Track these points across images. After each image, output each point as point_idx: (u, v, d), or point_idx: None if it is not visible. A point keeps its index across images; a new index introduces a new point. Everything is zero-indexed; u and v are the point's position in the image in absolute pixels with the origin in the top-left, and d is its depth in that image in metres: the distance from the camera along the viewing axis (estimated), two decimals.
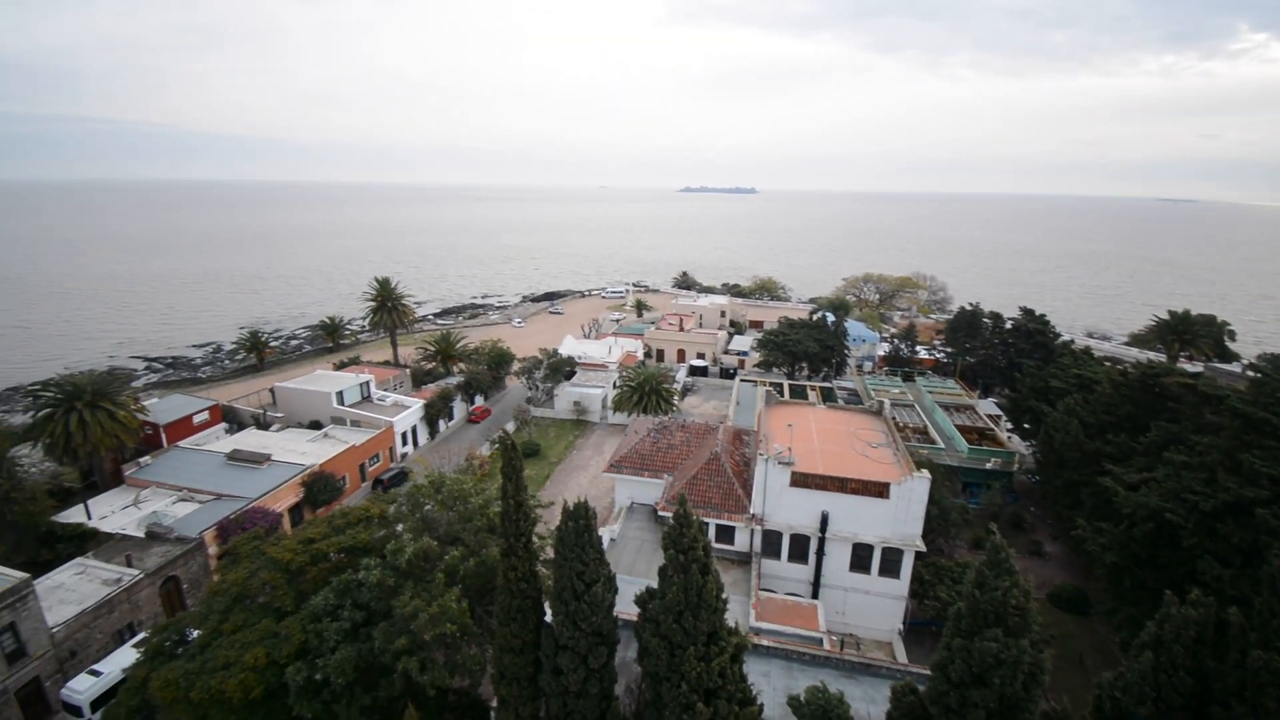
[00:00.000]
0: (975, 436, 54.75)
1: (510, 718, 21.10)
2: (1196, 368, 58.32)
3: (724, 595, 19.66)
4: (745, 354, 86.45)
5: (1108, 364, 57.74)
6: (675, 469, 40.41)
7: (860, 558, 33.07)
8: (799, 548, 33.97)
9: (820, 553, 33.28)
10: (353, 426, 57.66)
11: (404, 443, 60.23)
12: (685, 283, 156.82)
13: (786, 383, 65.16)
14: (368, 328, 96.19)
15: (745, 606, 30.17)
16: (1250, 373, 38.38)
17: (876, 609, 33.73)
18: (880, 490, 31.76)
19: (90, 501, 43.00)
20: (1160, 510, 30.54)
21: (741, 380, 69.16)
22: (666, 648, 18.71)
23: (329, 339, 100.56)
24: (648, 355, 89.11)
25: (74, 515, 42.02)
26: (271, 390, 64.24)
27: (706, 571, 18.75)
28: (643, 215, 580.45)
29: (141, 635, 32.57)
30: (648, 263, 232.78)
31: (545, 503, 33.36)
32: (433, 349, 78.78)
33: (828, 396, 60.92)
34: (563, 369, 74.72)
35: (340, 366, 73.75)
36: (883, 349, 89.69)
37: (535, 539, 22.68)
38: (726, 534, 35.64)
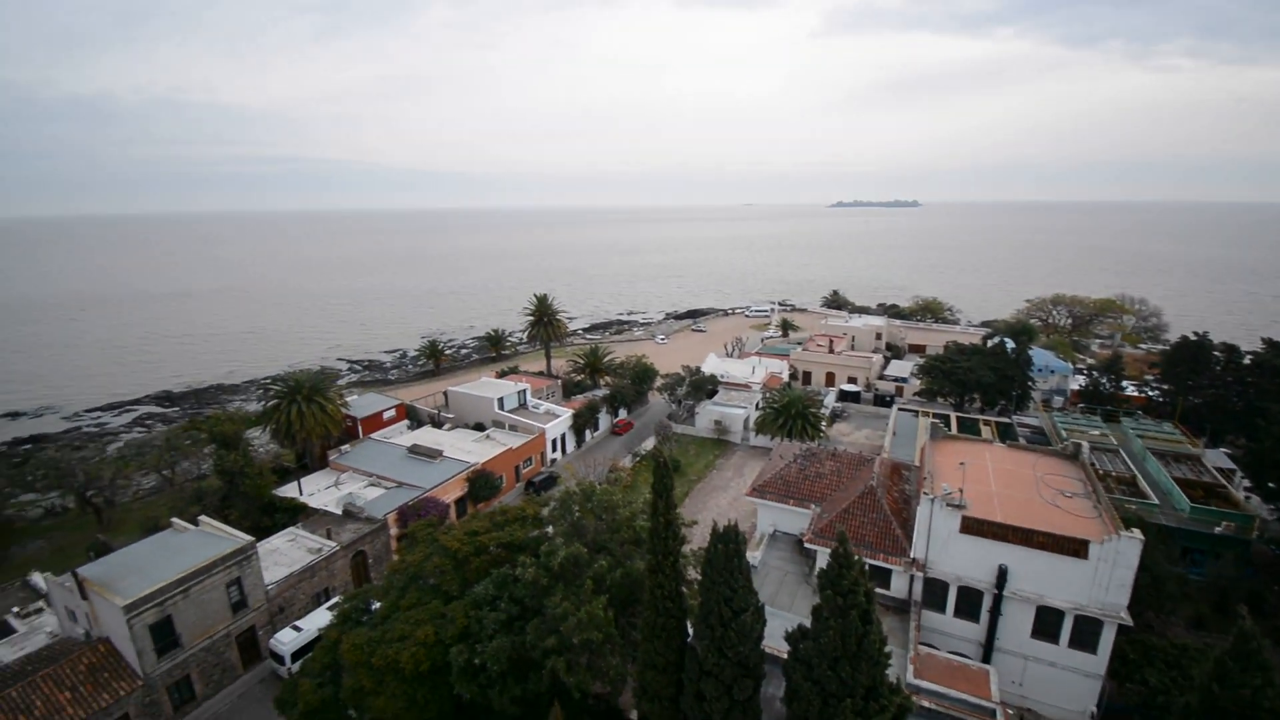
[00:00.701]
0: (1200, 493, 45.47)
1: None
2: None
3: (886, 648, 17.96)
4: (904, 380, 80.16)
5: None
6: (824, 499, 38.24)
7: (1046, 623, 28.65)
8: (968, 602, 30.28)
9: (995, 611, 29.36)
10: (510, 430, 62.03)
11: (554, 449, 63.60)
12: (836, 302, 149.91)
13: (954, 415, 59.11)
14: (526, 340, 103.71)
15: (902, 660, 27.43)
16: None
17: (1063, 685, 28.97)
18: (1077, 548, 27.33)
19: (302, 480, 50.55)
20: None
21: (899, 409, 64.07)
22: (819, 695, 17.44)
23: (493, 349, 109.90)
24: (793, 377, 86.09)
25: (289, 491, 49.61)
26: (445, 393, 71.30)
27: (868, 620, 17.26)
28: (790, 232, 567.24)
29: (335, 600, 37.31)
30: (794, 281, 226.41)
31: (689, 521, 33.18)
32: (582, 362, 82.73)
33: (1006, 434, 54.20)
34: (704, 387, 74.58)
35: (501, 375, 79.99)
36: (1077, 382, 78.21)
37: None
38: (880, 576, 32.82)
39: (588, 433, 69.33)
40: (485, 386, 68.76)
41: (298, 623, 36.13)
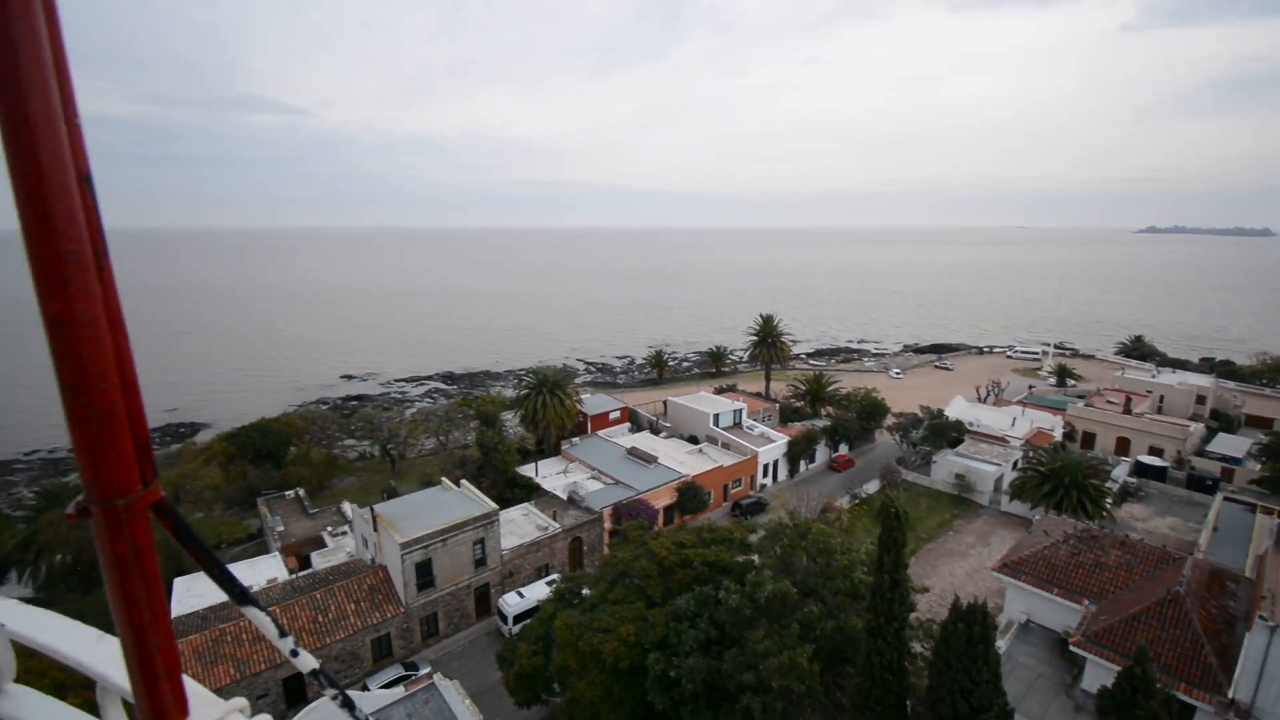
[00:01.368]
0: None
1: None
2: None
3: None
4: (1236, 461, 61.26)
5: None
6: (1102, 596, 30.57)
7: None
8: None
9: None
10: (722, 448, 61.85)
11: (764, 474, 61.73)
12: (1139, 350, 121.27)
13: None
14: (746, 360, 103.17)
15: None
16: None
17: None
18: None
19: (539, 463, 56.57)
20: None
21: (1226, 498, 48.95)
22: None
23: (713, 365, 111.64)
24: (1069, 437, 71.39)
25: (527, 470, 55.89)
26: (664, 403, 74.14)
27: None
28: (1075, 260, 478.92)
29: (554, 577, 40.64)
30: (1079, 320, 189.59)
31: (919, 586, 29.05)
32: (803, 388, 79.24)
33: None
34: (946, 433, 65.75)
35: (719, 391, 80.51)
36: None
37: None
38: (1179, 713, 24.92)
39: (802, 463, 65.97)
40: (703, 401, 69.75)
41: (522, 589, 40.19)
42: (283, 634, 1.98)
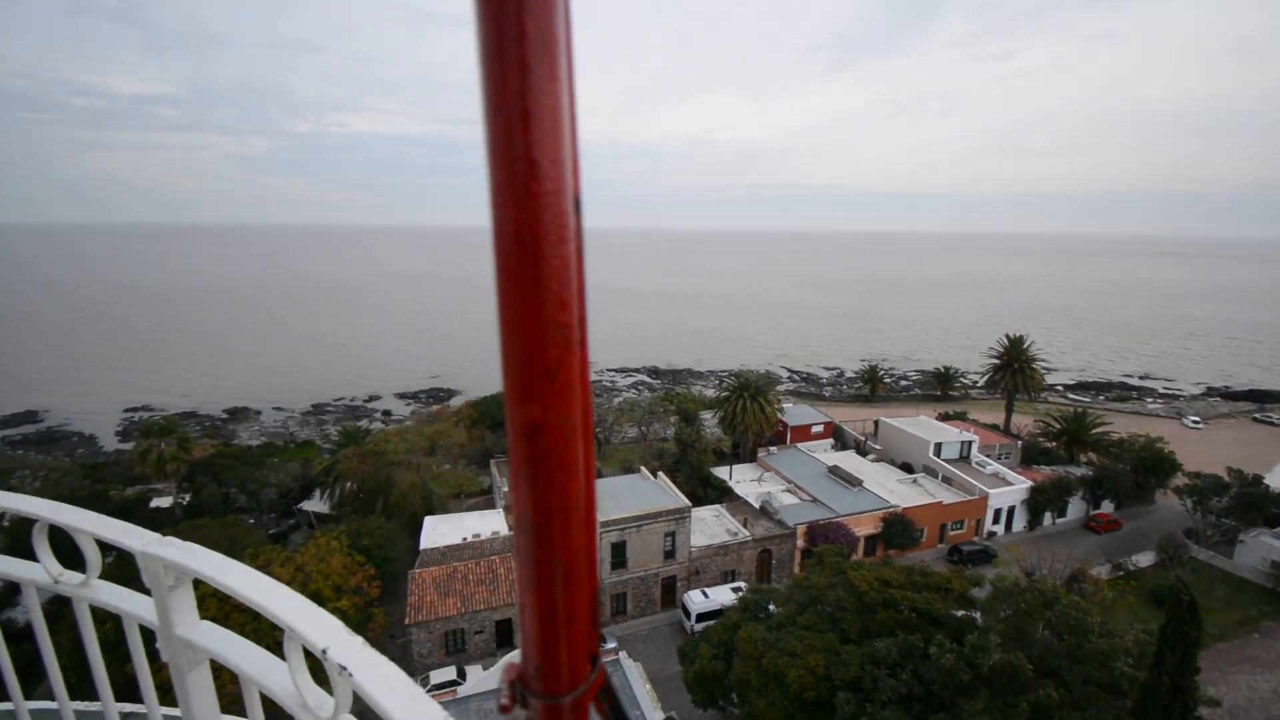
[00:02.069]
0: None
1: None
2: None
3: None
4: None
5: None
6: None
7: None
8: None
9: None
10: (943, 483, 54.98)
11: (994, 520, 53.46)
12: None
13: None
14: (982, 385, 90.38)
15: None
16: None
17: None
18: None
19: (734, 467, 56.11)
20: None
21: None
22: None
23: (938, 387, 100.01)
24: None
25: (721, 472, 55.77)
26: (876, 422, 68.32)
27: None
28: None
29: (739, 585, 39.97)
30: None
31: (1209, 698, 22.43)
32: (1057, 426, 66.85)
33: None
34: (1264, 507, 50.30)
35: (944, 418, 71.77)
36: None
37: None
38: None
39: (1047, 515, 55.73)
40: (923, 426, 62.73)
41: (707, 590, 40.21)
42: None
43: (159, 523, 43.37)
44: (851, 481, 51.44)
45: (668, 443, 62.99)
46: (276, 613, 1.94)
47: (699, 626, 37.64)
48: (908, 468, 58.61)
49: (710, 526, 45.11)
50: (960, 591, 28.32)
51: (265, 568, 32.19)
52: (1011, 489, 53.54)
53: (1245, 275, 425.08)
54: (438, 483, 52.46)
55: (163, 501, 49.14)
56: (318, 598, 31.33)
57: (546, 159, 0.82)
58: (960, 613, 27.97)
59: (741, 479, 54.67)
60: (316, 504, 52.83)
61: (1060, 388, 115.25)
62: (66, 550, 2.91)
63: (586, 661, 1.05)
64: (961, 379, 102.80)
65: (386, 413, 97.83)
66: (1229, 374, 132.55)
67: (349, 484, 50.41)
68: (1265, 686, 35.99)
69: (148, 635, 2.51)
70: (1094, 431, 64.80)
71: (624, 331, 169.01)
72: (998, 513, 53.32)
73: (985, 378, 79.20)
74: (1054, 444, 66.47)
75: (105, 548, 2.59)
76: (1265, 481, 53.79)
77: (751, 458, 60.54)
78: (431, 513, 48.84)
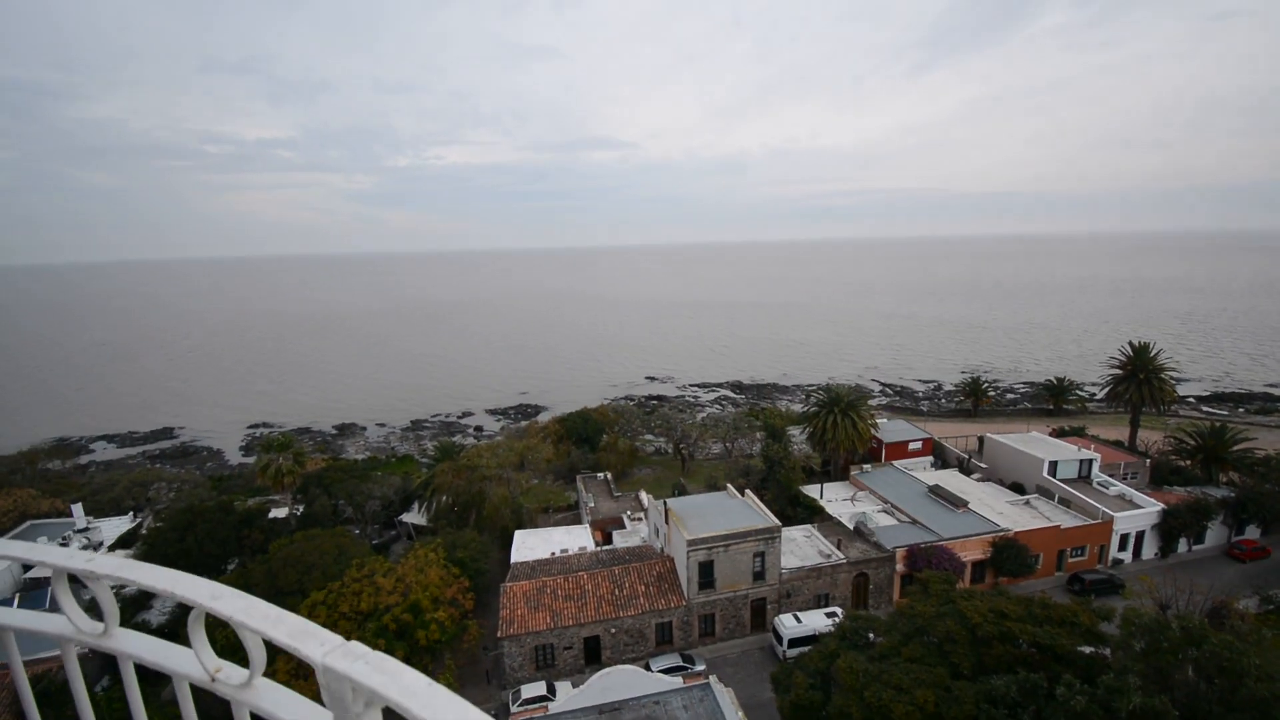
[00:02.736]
0: None
1: None
2: None
3: None
4: None
5: None
6: None
7: None
8: None
9: None
10: (1059, 504, 50.21)
11: (1120, 546, 48.13)
12: None
13: None
14: (1103, 398, 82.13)
15: None
16: None
17: None
18: None
19: (825, 485, 53.87)
20: None
21: None
22: None
23: (1050, 401, 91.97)
24: None
25: (811, 490, 53.66)
26: (980, 439, 63.63)
27: None
28: None
29: (836, 610, 38.10)
30: None
31: None
32: (1192, 443, 59.64)
33: None
34: None
35: (1059, 434, 65.83)
36: None
37: None
38: None
39: (1183, 542, 49.56)
40: (1035, 443, 57.75)
41: (799, 614, 38.55)
42: None
43: (276, 532, 47.08)
44: (955, 502, 47.98)
45: (754, 459, 61.52)
46: None
47: (791, 652, 36.10)
48: (1018, 488, 54.05)
49: (801, 547, 43.39)
50: (1087, 626, 25.53)
51: (370, 577, 34.05)
52: (1140, 512, 48.07)
53: None
54: (527, 497, 53.80)
55: (279, 512, 53.34)
56: (417, 609, 32.73)
57: None
58: (1088, 649, 25.21)
59: (833, 498, 52.37)
60: (415, 516, 55.56)
61: (1192, 400, 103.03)
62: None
63: None
64: (1077, 391, 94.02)
65: (478, 428, 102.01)
66: None
67: (444, 497, 52.68)
68: None
69: None
70: (1236, 448, 57.28)
71: (705, 346, 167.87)
72: (1124, 538, 47.99)
73: (1105, 389, 71.79)
74: (1188, 462, 59.28)
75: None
76: None
77: (843, 476, 57.94)
78: (521, 527, 50.10)
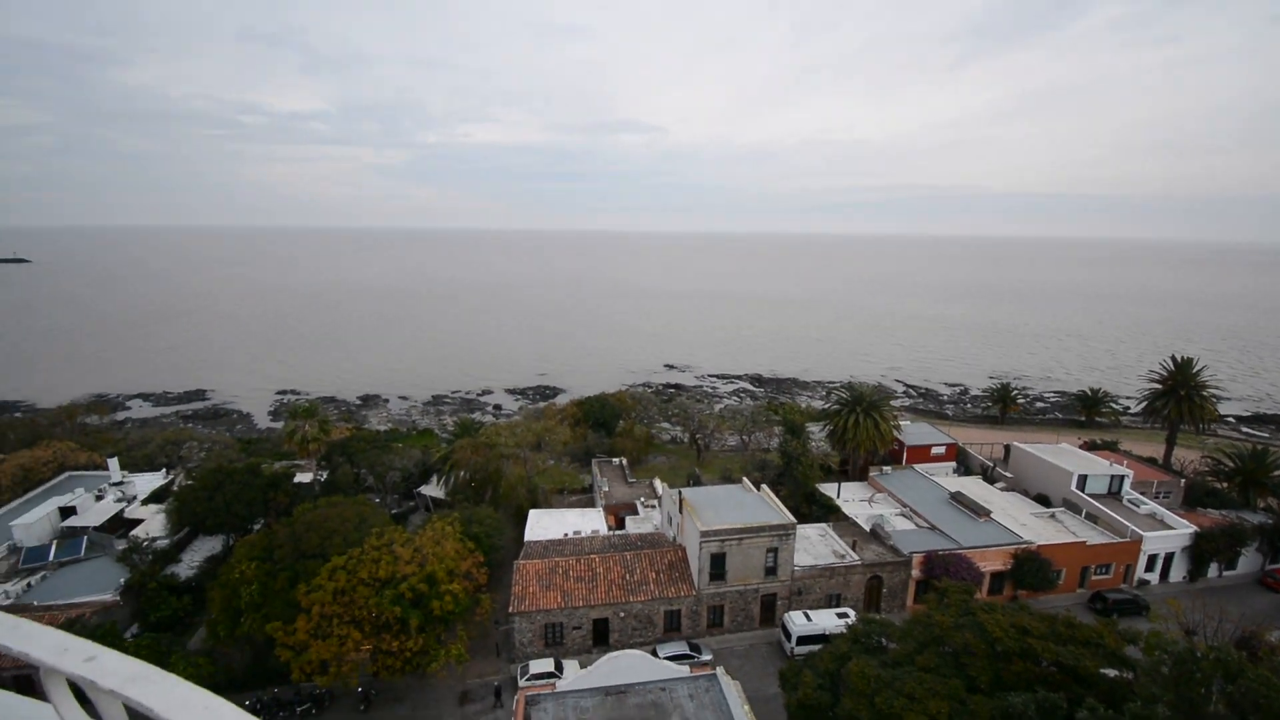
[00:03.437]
0: None
1: None
2: None
3: None
4: None
5: None
6: None
7: None
8: None
9: None
10: (1086, 520, 48.96)
11: (1148, 567, 46.82)
12: None
13: None
14: (1137, 412, 79.74)
15: None
16: None
17: None
18: None
19: (842, 484, 53.23)
20: None
21: None
22: None
23: (1082, 412, 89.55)
24: None
25: (828, 489, 53.02)
26: (1006, 447, 62.26)
27: None
28: None
29: (848, 611, 37.77)
30: None
31: None
32: (1230, 465, 57.58)
33: None
34: None
35: (1090, 447, 64.08)
36: None
37: None
38: None
39: (1213, 566, 48.04)
40: (1064, 455, 56.31)
41: (809, 612, 38.29)
42: None
43: (300, 496, 48.10)
44: (977, 511, 47.07)
45: (770, 454, 61.05)
46: None
47: (800, 650, 35.95)
48: (1044, 500, 52.84)
49: (815, 546, 43.01)
50: (1112, 648, 24.87)
51: (388, 546, 34.58)
52: (1171, 533, 46.63)
53: None
54: (542, 478, 54.11)
55: (304, 477, 54.41)
56: (433, 579, 33.19)
57: None
58: (1112, 672, 24.55)
59: (850, 498, 51.76)
60: (434, 489, 56.32)
61: (1232, 419, 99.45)
62: None
63: None
64: (1111, 403, 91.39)
65: (497, 407, 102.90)
66: None
67: (462, 473, 53.25)
68: None
69: None
70: (1276, 473, 55.18)
71: (724, 337, 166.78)
72: (1152, 559, 46.65)
73: (1142, 404, 69.58)
74: (1225, 485, 57.28)
75: None
76: None
77: (862, 476, 57.22)
78: (536, 506, 50.48)
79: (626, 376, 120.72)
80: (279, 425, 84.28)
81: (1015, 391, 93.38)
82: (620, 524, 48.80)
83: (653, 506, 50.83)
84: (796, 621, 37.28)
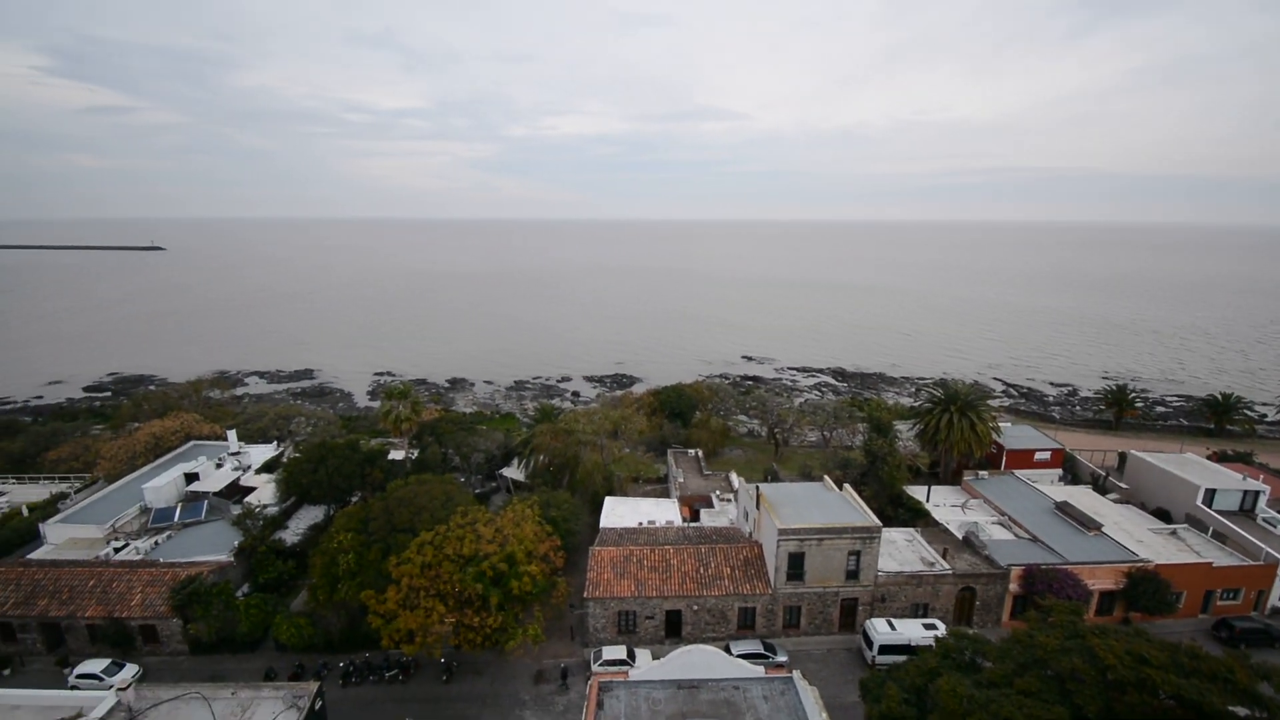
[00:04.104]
0: None
1: None
2: None
3: None
4: None
5: None
6: None
7: None
8: None
9: None
10: (1214, 539, 43.80)
11: None
12: None
13: None
14: (1276, 421, 70.50)
15: None
16: None
17: None
18: None
19: (932, 488, 50.35)
20: None
21: None
22: None
23: (1211, 419, 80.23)
24: None
25: (916, 492, 50.32)
26: (1121, 455, 56.71)
27: None
28: None
29: (936, 624, 35.82)
30: None
31: None
32: None
33: None
34: None
35: (1220, 459, 57.30)
36: None
37: None
38: None
39: None
40: (1189, 467, 50.62)
41: (893, 620, 36.55)
42: None
43: (393, 473, 51.03)
44: (1086, 524, 43.16)
45: (853, 452, 58.67)
46: None
47: (881, 659, 34.41)
48: (1164, 515, 47.78)
49: (901, 551, 40.94)
50: (1244, 686, 22.05)
51: (472, 525, 36.03)
52: None
53: None
54: (618, 465, 54.59)
55: (397, 454, 57.68)
56: (513, 560, 34.29)
57: None
58: (1242, 711, 21.81)
59: (941, 503, 48.87)
60: (514, 471, 58.22)
61: None
62: None
63: None
64: (1244, 410, 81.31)
65: (575, 394, 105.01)
66: None
67: (541, 457, 54.69)
68: None
69: None
70: None
71: (807, 329, 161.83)
72: None
73: None
74: None
75: None
76: None
77: (954, 480, 53.88)
78: (611, 493, 51.04)
79: (703, 367, 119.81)
80: (376, 404, 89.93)
81: (1133, 394, 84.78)
82: (695, 516, 48.49)
83: (728, 500, 50.15)
84: (879, 629, 35.67)
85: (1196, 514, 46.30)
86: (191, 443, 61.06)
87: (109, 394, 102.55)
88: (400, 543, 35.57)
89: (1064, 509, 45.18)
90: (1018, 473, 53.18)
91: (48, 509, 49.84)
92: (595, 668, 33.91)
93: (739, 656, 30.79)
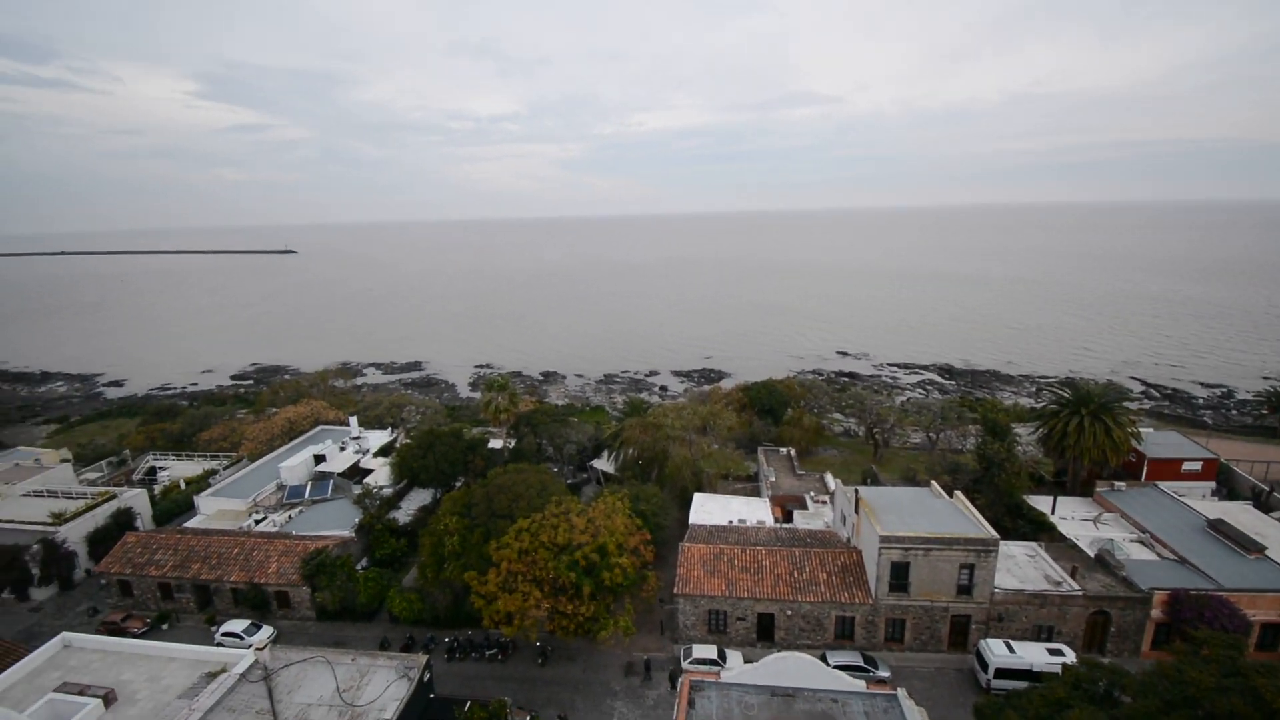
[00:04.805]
0: None
1: None
2: None
3: None
4: None
5: None
6: None
7: None
8: None
9: None
10: None
11: None
12: None
13: None
14: None
15: None
16: None
17: None
18: None
19: (1058, 499, 45.78)
20: None
21: None
22: None
23: None
24: None
25: (1039, 503, 45.95)
26: None
27: None
28: None
29: (1061, 648, 32.64)
30: None
31: None
32: None
33: None
34: None
35: None
36: None
37: None
38: None
39: None
40: None
41: (1012, 642, 33.56)
42: None
43: (493, 461, 53.33)
44: (1246, 545, 37.53)
45: (964, 456, 54.54)
46: None
47: (997, 683, 31.71)
48: None
49: (1022, 567, 37.50)
50: None
51: (565, 514, 36.82)
52: None
53: None
54: (707, 462, 53.92)
55: (496, 443, 60.31)
56: (604, 551, 34.69)
57: None
58: None
59: (1069, 516, 44.31)
60: (605, 464, 59.09)
61: None
62: None
63: None
64: None
65: (663, 388, 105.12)
66: None
67: (631, 450, 55.08)
68: None
69: None
70: None
71: (906, 321, 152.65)
72: None
73: None
74: None
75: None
76: None
77: (1084, 491, 48.68)
78: (700, 490, 50.52)
79: (794, 363, 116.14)
80: (477, 395, 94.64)
81: None
82: (787, 517, 47.01)
83: (823, 502, 48.20)
84: (996, 651, 32.84)
85: None
86: (319, 427, 66.95)
87: (251, 382, 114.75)
88: (500, 528, 37.00)
89: (1218, 527, 39.50)
90: (1161, 485, 47.09)
91: (201, 483, 56.41)
92: (686, 665, 33.67)
93: (837, 667, 29.40)
